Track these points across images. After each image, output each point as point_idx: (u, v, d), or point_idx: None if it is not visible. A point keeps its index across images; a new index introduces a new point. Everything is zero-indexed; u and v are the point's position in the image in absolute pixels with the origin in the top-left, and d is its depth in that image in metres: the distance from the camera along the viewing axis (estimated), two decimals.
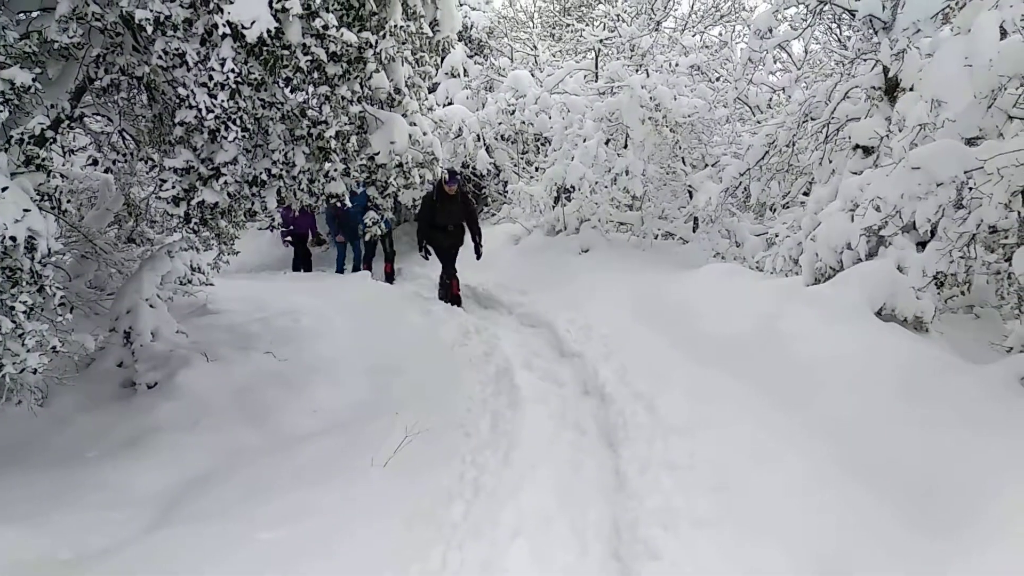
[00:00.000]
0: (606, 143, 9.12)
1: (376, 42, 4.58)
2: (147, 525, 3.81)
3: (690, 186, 9.22)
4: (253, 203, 4.97)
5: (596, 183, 9.00)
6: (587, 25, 12.25)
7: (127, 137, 5.67)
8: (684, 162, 9.51)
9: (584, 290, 7.82)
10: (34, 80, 3.73)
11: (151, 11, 3.77)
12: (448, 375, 6.03)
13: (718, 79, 9.66)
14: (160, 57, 4.03)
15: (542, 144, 11.54)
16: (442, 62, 12.06)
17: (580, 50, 11.06)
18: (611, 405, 4.97)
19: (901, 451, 3.48)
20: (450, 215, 8.70)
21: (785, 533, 3.24)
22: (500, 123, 10.93)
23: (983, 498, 2.99)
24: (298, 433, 4.93)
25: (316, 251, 12.19)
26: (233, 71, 4.04)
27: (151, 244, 6.87)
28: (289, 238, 11.40)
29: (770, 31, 6.36)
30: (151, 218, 6.93)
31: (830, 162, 6.69)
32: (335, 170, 5.05)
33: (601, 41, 9.94)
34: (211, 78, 4.05)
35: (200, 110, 4.12)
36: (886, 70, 5.86)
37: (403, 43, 4.92)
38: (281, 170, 4.88)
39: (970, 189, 3.83)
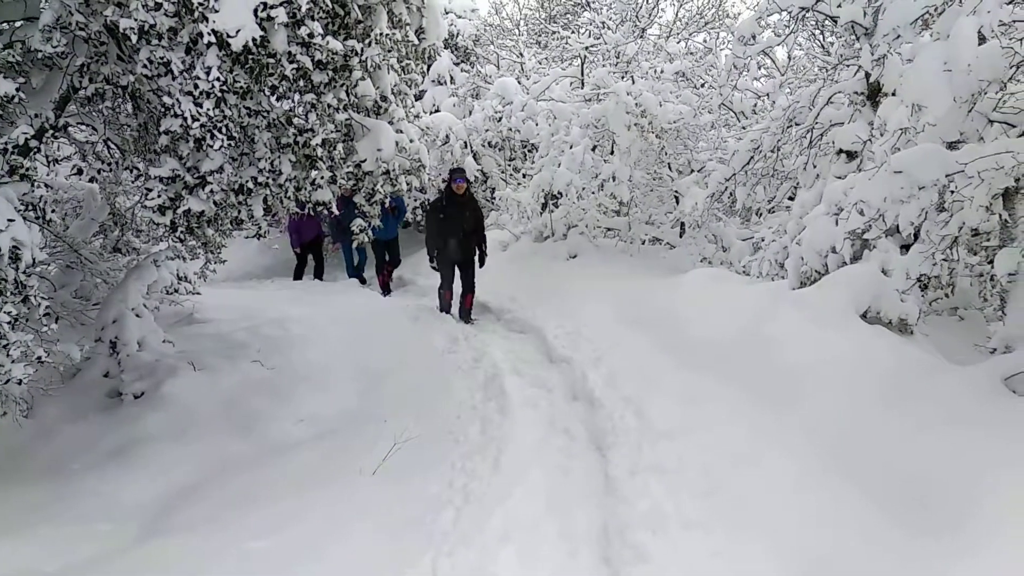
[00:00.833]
0: (592, 149, 9.16)
1: (362, 50, 4.59)
2: (134, 536, 3.79)
3: (676, 191, 9.27)
4: (239, 211, 4.97)
5: (583, 189, 9.03)
6: (573, 32, 12.30)
7: (112, 146, 5.64)
8: (670, 168, 9.56)
9: (572, 296, 7.83)
10: (17, 90, 3.72)
11: (135, 20, 3.77)
12: (437, 382, 6.02)
13: (703, 85, 9.72)
14: (145, 66, 4.03)
15: (529, 151, 11.57)
16: (428, 70, 12.08)
17: (566, 57, 11.10)
18: (600, 410, 4.98)
19: (889, 452, 3.50)
20: (460, 221, 7.89)
21: (775, 535, 3.25)
22: (487, 130, 10.96)
23: (972, 498, 3.01)
24: (287, 442, 4.91)
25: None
26: (219, 79, 4.04)
27: (137, 253, 6.83)
28: (298, 249, 11.02)
29: (754, 38, 6.40)
30: (137, 227, 6.89)
31: (814, 167, 6.75)
32: (322, 178, 5.05)
33: (587, 48, 9.98)
34: (196, 87, 4.05)
35: (186, 119, 4.12)
36: (868, 75, 5.92)
37: (389, 51, 4.93)
38: (268, 178, 4.88)
39: (952, 192, 3.87)
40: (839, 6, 5.91)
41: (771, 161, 7.22)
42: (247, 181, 4.81)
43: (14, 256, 3.69)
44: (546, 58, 12.65)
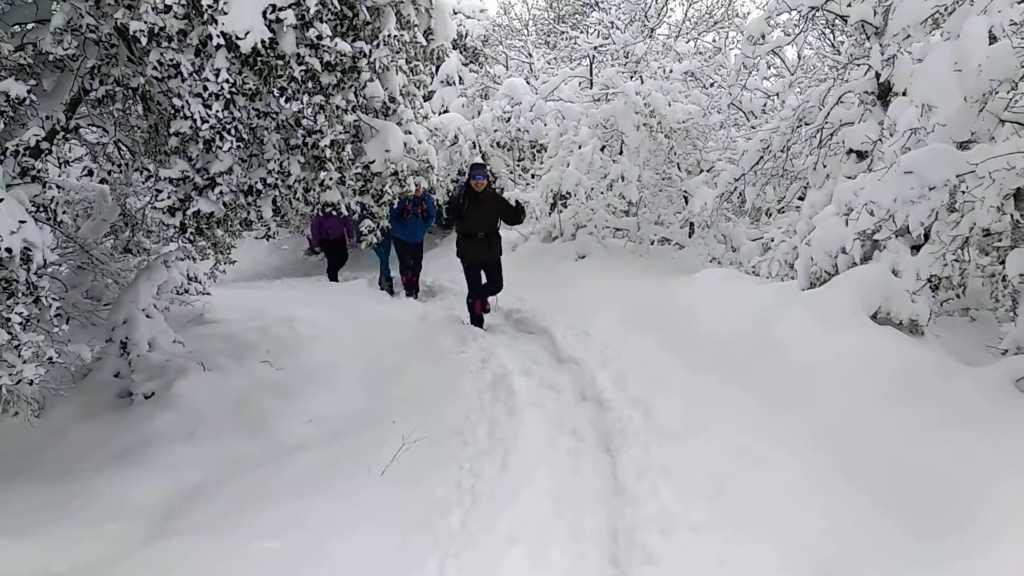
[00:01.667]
0: (601, 149, 9.15)
1: (370, 51, 4.59)
2: (143, 537, 3.80)
3: (685, 191, 9.25)
4: (249, 212, 4.99)
5: (592, 189, 9.03)
6: (581, 32, 12.30)
7: (123, 148, 5.68)
8: (679, 168, 9.54)
9: (581, 296, 7.82)
10: (29, 92, 3.75)
11: (145, 23, 3.79)
12: (446, 382, 6.02)
13: (712, 85, 9.70)
14: (155, 68, 4.05)
15: (538, 151, 11.57)
16: (437, 70, 12.09)
17: (575, 57, 11.10)
18: (608, 411, 4.98)
19: (898, 454, 3.49)
20: (481, 219, 7.62)
21: (782, 536, 3.24)
22: (496, 130, 10.97)
23: (980, 500, 3.00)
24: (295, 442, 4.92)
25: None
26: (228, 81, 4.06)
27: (147, 254, 6.86)
28: (317, 248, 10.72)
29: (763, 37, 6.38)
30: (147, 228, 6.92)
31: (824, 167, 6.72)
32: (330, 179, 5.06)
33: (596, 48, 9.98)
34: (206, 88, 4.07)
35: (195, 120, 4.14)
36: (878, 75, 5.89)
37: (397, 52, 4.93)
38: (276, 179, 4.89)
39: (963, 193, 3.85)
40: (849, 5, 5.88)
41: (781, 161, 7.19)
42: (256, 182, 4.83)
43: (25, 257, 3.71)
44: (555, 58, 12.66)
